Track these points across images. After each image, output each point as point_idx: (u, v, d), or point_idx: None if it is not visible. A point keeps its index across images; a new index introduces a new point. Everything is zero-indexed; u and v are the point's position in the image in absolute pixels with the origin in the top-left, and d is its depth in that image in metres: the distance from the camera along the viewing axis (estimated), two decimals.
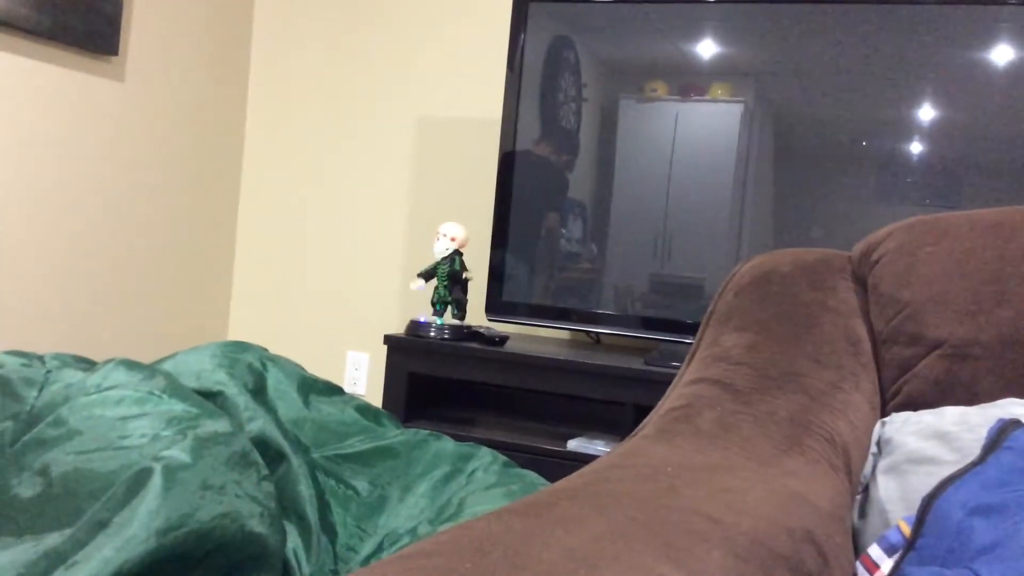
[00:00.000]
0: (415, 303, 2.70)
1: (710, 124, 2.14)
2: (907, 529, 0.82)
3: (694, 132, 2.14)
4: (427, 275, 2.21)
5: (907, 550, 0.80)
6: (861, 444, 1.00)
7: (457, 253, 2.17)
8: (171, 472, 1.15)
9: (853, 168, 2.01)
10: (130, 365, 1.45)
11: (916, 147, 1.97)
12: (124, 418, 1.33)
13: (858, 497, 0.99)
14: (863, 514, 0.97)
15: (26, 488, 1.23)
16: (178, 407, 1.35)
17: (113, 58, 2.44)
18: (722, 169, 2.10)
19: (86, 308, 2.48)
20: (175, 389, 1.40)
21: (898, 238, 1.10)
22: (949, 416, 0.96)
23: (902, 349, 1.04)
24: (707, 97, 2.16)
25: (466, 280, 2.18)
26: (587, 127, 2.25)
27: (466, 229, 2.19)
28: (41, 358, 1.49)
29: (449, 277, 2.18)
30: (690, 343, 2.09)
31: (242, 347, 1.63)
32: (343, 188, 2.81)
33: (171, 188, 2.70)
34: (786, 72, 2.05)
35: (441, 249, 2.16)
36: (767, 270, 1.16)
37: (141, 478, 1.15)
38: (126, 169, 2.54)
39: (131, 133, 2.55)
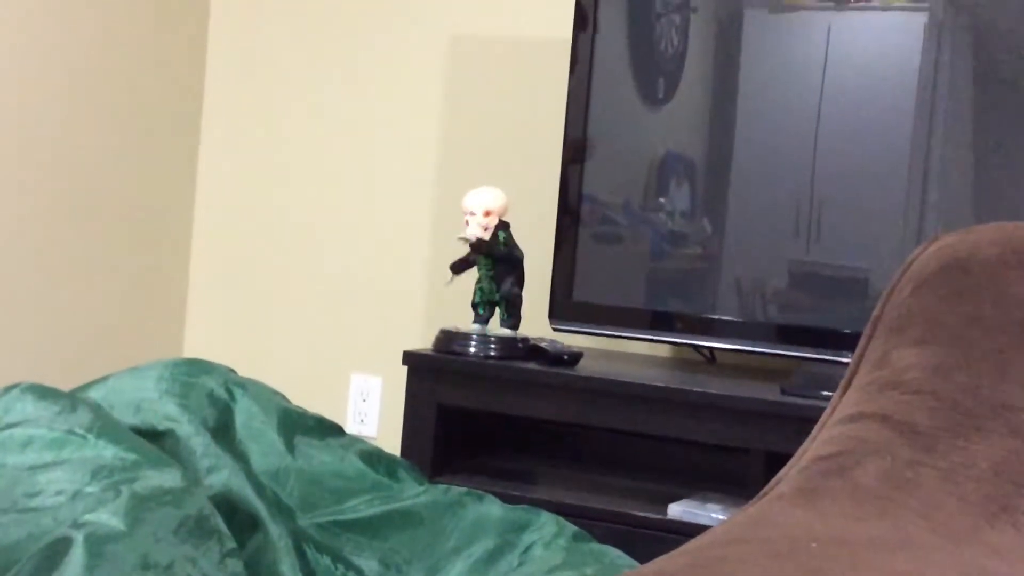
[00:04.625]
0: (447, 307, 2.70)
1: (879, 43, 2.11)
2: None
3: (855, 55, 2.11)
4: (460, 266, 2.20)
5: None
6: None
7: (501, 228, 2.16)
8: (97, 544, 1.17)
9: None
10: (42, 393, 1.47)
11: None
12: (33, 468, 1.35)
13: None
14: None
15: None
16: (108, 452, 1.36)
17: None
18: (896, 108, 2.07)
19: None
20: (105, 427, 1.41)
21: None
22: None
23: None
24: (875, 3, 2.13)
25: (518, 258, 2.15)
26: (697, 50, 2.23)
27: (503, 193, 2.17)
28: None
29: (494, 263, 2.17)
30: (847, 363, 2.07)
31: (200, 368, 1.64)
32: (345, 140, 2.83)
33: (97, 134, 2.74)
34: None
35: (476, 232, 2.14)
36: (962, 255, 1.14)
37: (56, 552, 1.16)
38: (34, 99, 2.59)
39: (34, 45, 2.59)
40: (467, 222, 2.15)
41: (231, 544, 1.31)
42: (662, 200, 2.22)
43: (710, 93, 2.23)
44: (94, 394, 1.56)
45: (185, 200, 2.96)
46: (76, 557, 1.16)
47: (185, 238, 2.97)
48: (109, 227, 2.77)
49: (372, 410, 2.78)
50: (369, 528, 1.53)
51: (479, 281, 2.19)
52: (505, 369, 2.11)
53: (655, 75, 2.24)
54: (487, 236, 2.14)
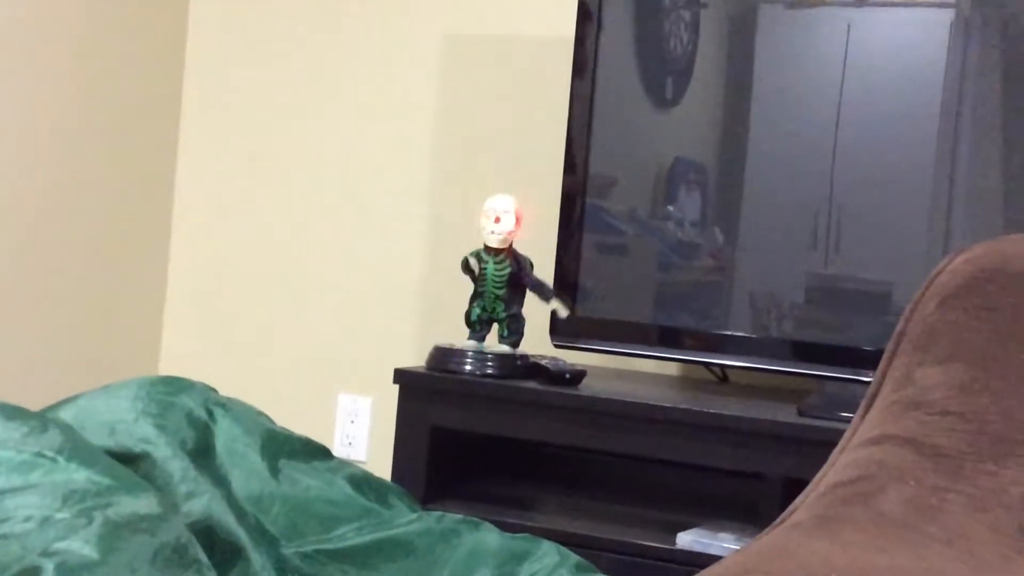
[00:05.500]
0: (440, 322, 2.70)
1: (902, 41, 2.11)
2: None
3: (877, 54, 2.11)
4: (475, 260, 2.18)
5: None
6: None
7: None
8: (69, 573, 1.16)
9: None
10: (9, 413, 1.46)
11: None
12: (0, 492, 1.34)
13: None
14: None
15: None
16: (81, 476, 1.36)
17: None
18: (920, 110, 2.07)
19: None
20: (77, 449, 1.41)
21: None
22: None
23: None
24: None
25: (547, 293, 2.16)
26: (708, 48, 2.23)
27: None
28: None
29: (508, 283, 2.15)
30: (868, 382, 2.06)
31: (178, 386, 1.64)
32: (333, 146, 2.83)
33: (68, 136, 2.73)
34: None
35: (500, 235, 2.13)
36: (991, 267, 1.14)
37: None
38: (3, 103, 2.59)
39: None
40: (498, 219, 2.13)
41: (211, 574, 1.31)
42: (671, 208, 2.22)
43: (722, 94, 2.23)
44: (65, 414, 1.56)
45: (163, 205, 2.96)
46: None
47: (163, 246, 2.96)
48: (82, 239, 2.77)
49: (361, 432, 2.77)
50: (358, 557, 1.53)
51: (478, 296, 2.18)
52: (503, 388, 2.11)
53: (663, 75, 2.24)
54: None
